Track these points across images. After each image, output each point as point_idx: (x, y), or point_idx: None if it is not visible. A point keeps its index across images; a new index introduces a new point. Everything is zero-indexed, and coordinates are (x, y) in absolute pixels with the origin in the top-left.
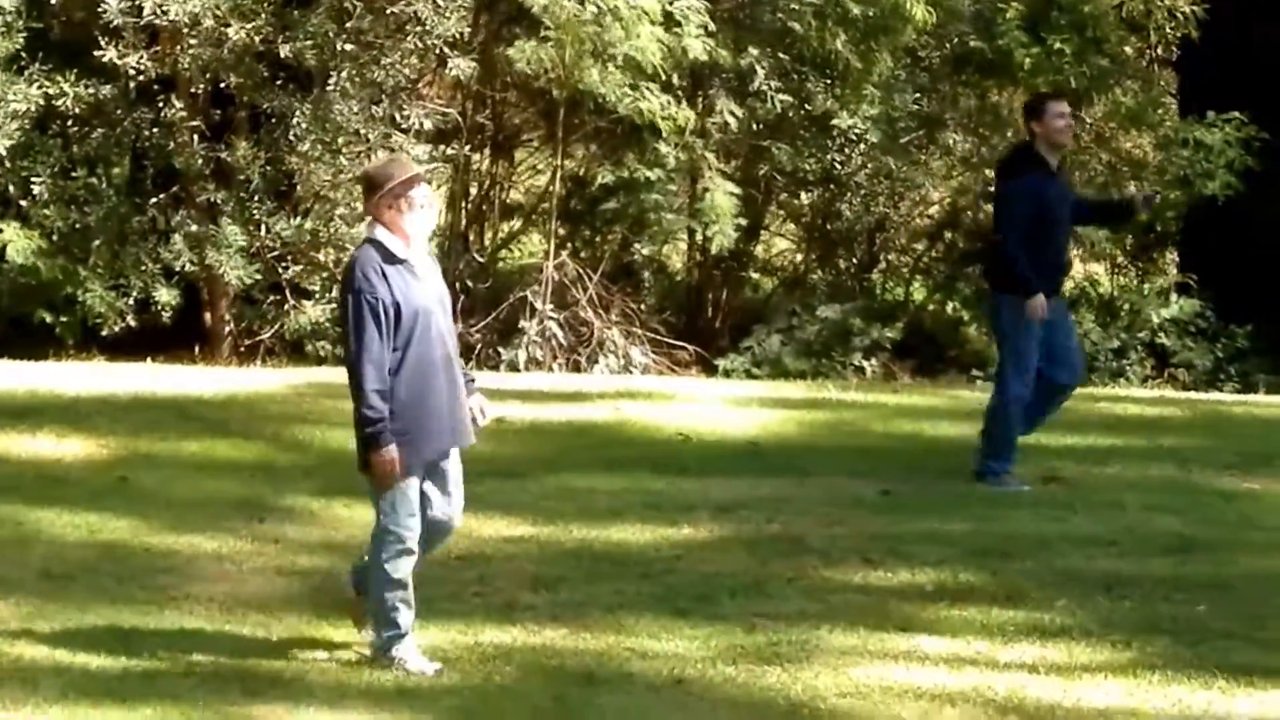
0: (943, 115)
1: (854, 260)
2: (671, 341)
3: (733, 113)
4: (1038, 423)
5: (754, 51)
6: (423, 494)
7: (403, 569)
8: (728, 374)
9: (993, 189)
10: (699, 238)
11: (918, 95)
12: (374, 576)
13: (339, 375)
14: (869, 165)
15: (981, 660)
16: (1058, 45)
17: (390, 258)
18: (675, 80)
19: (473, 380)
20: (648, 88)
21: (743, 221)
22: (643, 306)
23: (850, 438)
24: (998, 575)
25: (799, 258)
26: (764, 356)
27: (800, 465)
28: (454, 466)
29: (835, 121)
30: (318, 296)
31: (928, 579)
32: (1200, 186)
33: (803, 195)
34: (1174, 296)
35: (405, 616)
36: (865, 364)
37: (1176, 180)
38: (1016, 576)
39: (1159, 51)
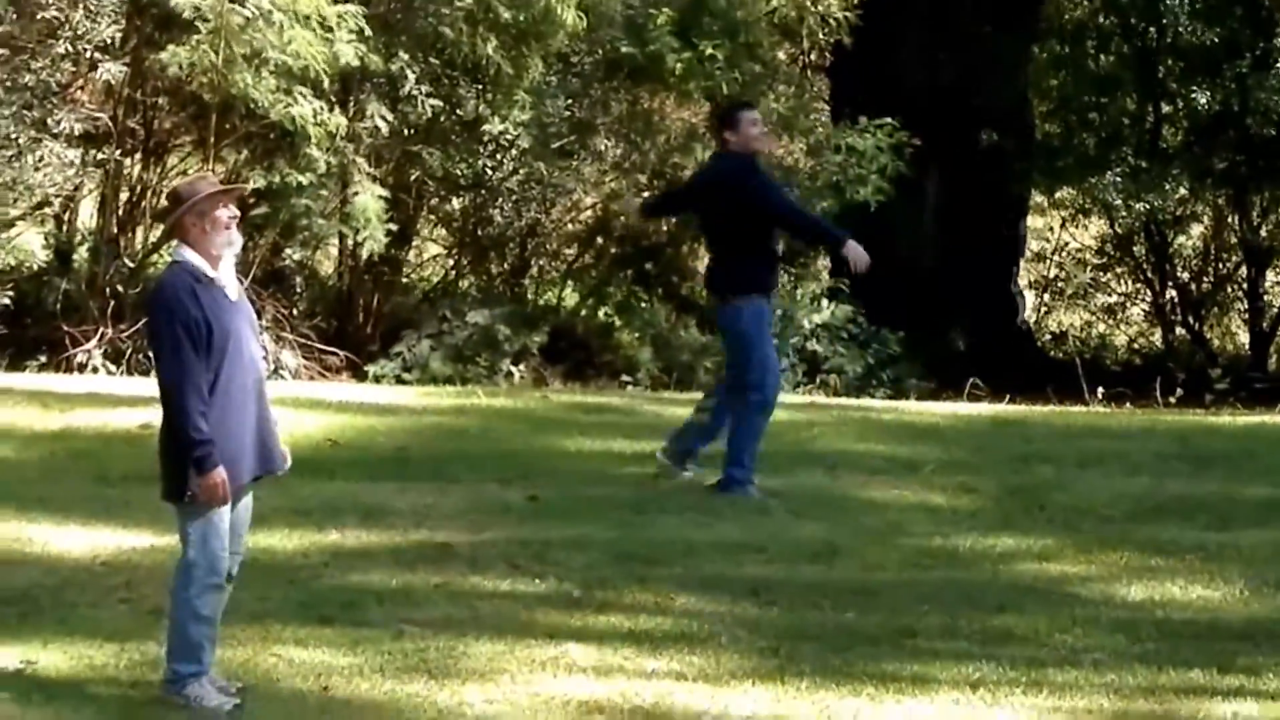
0: (594, 120)
1: (505, 266)
2: (322, 346)
3: (383, 117)
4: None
5: (404, 56)
6: None
7: (211, 603)
8: (378, 379)
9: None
10: (350, 243)
11: (569, 100)
12: (179, 609)
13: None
14: (520, 171)
15: (629, 667)
16: (709, 51)
17: (200, 277)
18: (326, 85)
19: (275, 423)
20: (300, 92)
21: (393, 227)
22: (294, 311)
23: (498, 444)
24: (644, 582)
25: (450, 263)
26: (414, 362)
27: (448, 471)
28: (250, 493)
29: (486, 127)
30: None
31: (575, 585)
32: (852, 193)
33: (454, 200)
34: (825, 302)
35: (208, 654)
36: (514, 369)
37: (829, 186)
38: (663, 583)
39: (812, 58)
